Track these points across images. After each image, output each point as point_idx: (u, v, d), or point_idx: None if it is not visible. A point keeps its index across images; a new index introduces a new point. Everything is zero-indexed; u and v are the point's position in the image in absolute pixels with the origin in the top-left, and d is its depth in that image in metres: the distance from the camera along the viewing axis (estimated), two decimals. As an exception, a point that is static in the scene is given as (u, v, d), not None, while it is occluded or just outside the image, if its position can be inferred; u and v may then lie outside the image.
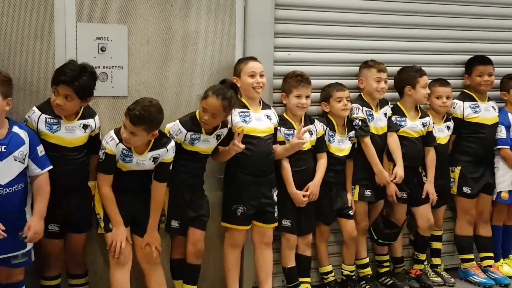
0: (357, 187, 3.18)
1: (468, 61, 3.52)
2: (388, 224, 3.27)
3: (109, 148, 2.48)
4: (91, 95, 2.49)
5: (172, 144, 2.60)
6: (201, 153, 2.72)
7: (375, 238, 3.24)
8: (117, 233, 2.50)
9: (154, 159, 2.55)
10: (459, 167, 3.45)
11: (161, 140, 2.56)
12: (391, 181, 3.17)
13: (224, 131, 2.77)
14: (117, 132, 2.51)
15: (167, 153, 2.57)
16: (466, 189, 3.43)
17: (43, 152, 2.37)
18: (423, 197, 3.27)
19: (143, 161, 2.53)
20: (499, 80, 3.58)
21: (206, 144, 2.71)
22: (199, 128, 2.67)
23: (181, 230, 2.73)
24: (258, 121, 2.82)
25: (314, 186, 2.98)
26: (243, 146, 2.67)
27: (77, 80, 2.37)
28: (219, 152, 2.80)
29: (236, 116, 2.79)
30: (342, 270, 3.25)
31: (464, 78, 3.54)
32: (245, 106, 2.83)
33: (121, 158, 2.50)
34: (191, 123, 2.66)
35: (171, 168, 2.62)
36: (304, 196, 2.93)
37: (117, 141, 2.48)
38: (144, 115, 2.40)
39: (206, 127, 2.64)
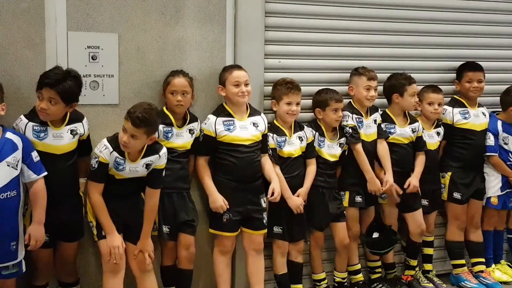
0: (347, 193, 3.19)
1: (459, 67, 3.54)
2: (382, 229, 3.26)
3: (103, 157, 2.48)
4: (76, 100, 2.48)
5: (164, 150, 2.61)
6: (179, 150, 2.73)
7: (371, 251, 3.27)
8: (112, 240, 2.49)
9: (147, 165, 2.55)
10: (449, 173, 3.46)
11: (154, 147, 2.58)
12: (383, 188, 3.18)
13: (195, 125, 2.81)
14: (110, 140, 2.52)
15: (160, 160, 2.58)
16: (456, 195, 3.44)
17: (38, 158, 2.37)
18: (405, 186, 3.25)
19: (136, 168, 2.54)
20: (490, 86, 3.59)
21: (180, 139, 2.73)
22: (170, 121, 2.73)
23: (171, 235, 2.74)
24: (243, 129, 2.83)
25: (304, 193, 2.99)
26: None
27: (61, 83, 2.37)
28: None
29: (220, 125, 2.80)
30: (334, 277, 3.25)
31: (454, 84, 3.56)
32: (229, 115, 2.84)
33: (114, 166, 2.50)
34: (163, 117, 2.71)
35: (164, 174, 2.63)
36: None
37: (111, 149, 2.48)
38: (146, 117, 2.41)
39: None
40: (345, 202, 3.19)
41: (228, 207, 2.77)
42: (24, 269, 2.36)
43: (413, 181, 3.27)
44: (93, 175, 2.52)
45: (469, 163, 3.47)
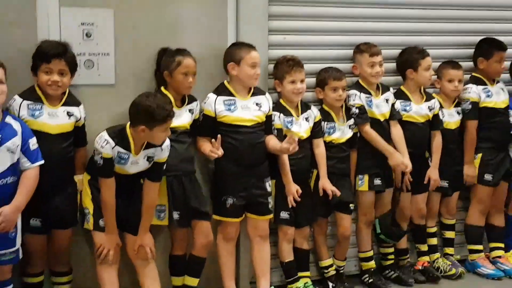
0: (366, 176, 3.06)
1: (484, 44, 3.35)
2: (394, 223, 3.18)
3: (105, 152, 2.39)
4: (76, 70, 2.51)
5: (167, 143, 2.50)
6: (179, 129, 2.62)
7: (378, 231, 3.14)
8: (108, 240, 2.47)
9: (149, 158, 2.47)
10: (479, 155, 3.33)
11: None
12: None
13: (194, 104, 2.72)
14: (111, 133, 2.42)
15: (162, 152, 2.49)
16: (487, 177, 3.31)
17: (36, 146, 2.30)
18: (425, 182, 3.16)
19: (137, 161, 2.45)
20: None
21: (180, 119, 2.61)
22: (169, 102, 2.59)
23: (181, 222, 2.64)
24: (245, 110, 2.70)
25: (324, 181, 2.89)
26: (220, 153, 2.58)
27: (67, 53, 2.41)
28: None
29: (220, 104, 2.68)
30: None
31: (478, 62, 3.37)
32: (231, 94, 2.71)
33: (116, 160, 2.43)
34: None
35: (164, 168, 2.53)
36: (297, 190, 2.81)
37: (113, 144, 2.39)
38: (169, 109, 2.39)
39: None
40: (364, 186, 3.07)
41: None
42: (21, 256, 2.31)
43: (433, 175, 3.18)
44: (101, 172, 2.44)
45: (497, 143, 3.36)
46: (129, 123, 2.44)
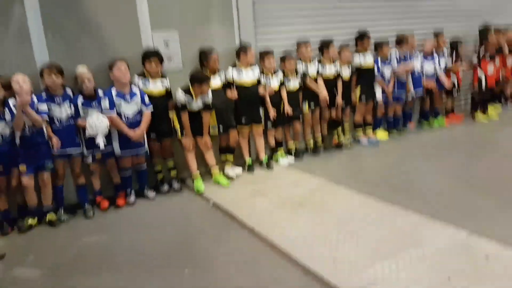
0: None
1: None
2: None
3: (182, 98, 5.02)
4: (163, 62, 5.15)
5: (210, 95, 5.17)
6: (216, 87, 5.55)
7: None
8: (188, 140, 5.19)
9: (203, 101, 5.12)
10: None
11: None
12: None
13: (221, 74, 5.53)
14: (183, 89, 5.03)
15: (208, 98, 5.17)
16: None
17: (148, 101, 4.92)
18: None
19: (197, 104, 5.11)
20: None
21: (213, 82, 5.30)
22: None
23: (224, 130, 5.47)
24: (247, 75, 5.56)
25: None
26: (235, 96, 5.49)
27: (158, 54, 5.07)
28: None
29: (234, 72, 5.52)
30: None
31: None
32: (240, 68, 5.58)
33: (187, 103, 5.03)
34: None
35: (210, 102, 5.29)
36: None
37: (184, 94, 5.01)
38: (206, 77, 5.09)
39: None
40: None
41: None
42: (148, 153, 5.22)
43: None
44: (182, 108, 5.09)
45: None
46: (190, 84, 5.08)
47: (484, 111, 7.76)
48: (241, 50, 5.57)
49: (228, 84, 5.56)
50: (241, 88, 5.54)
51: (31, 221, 4.41)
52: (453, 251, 3.19)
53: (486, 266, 2.95)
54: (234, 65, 5.59)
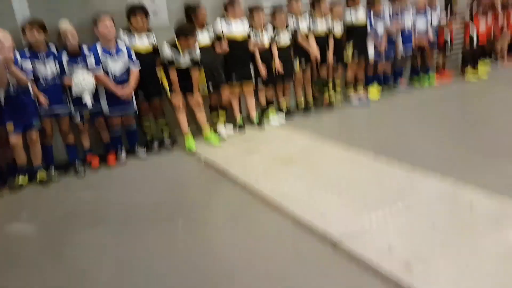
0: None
1: None
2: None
3: (168, 53, 4.96)
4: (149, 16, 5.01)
5: (198, 49, 5.14)
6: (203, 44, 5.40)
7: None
8: (177, 98, 5.12)
9: (189, 56, 5.02)
10: None
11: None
12: None
13: (209, 28, 5.42)
14: (168, 43, 4.94)
15: (196, 53, 5.09)
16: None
17: (135, 58, 4.83)
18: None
19: (184, 58, 5.02)
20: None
21: (201, 37, 5.27)
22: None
23: (214, 89, 5.43)
24: (236, 28, 5.46)
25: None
26: (226, 48, 5.40)
27: (144, 8, 4.93)
28: None
29: (223, 24, 5.41)
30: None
31: None
32: (228, 20, 5.48)
33: (174, 57, 4.94)
34: None
35: (199, 59, 5.23)
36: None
37: (169, 48, 4.95)
38: (193, 30, 5.00)
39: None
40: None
41: None
42: (136, 111, 5.17)
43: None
44: (169, 64, 5.00)
45: None
46: (176, 38, 4.96)
47: (474, 66, 7.75)
48: (229, 3, 5.44)
49: (217, 39, 5.45)
50: (231, 42, 5.44)
51: (22, 180, 4.40)
52: (439, 200, 3.27)
53: (470, 213, 3.04)
54: (222, 16, 5.48)
